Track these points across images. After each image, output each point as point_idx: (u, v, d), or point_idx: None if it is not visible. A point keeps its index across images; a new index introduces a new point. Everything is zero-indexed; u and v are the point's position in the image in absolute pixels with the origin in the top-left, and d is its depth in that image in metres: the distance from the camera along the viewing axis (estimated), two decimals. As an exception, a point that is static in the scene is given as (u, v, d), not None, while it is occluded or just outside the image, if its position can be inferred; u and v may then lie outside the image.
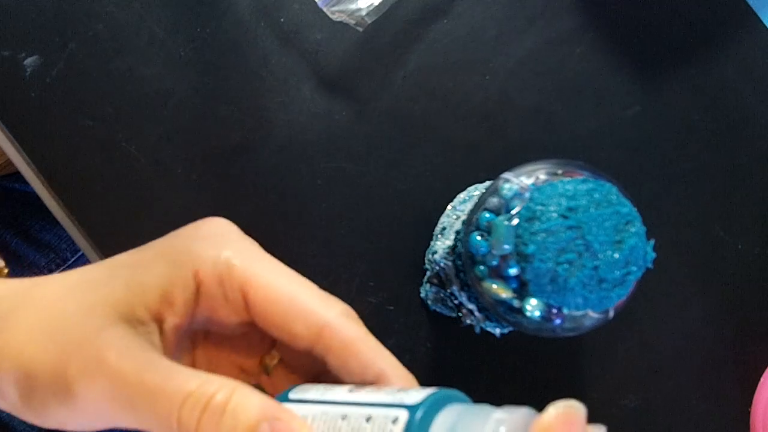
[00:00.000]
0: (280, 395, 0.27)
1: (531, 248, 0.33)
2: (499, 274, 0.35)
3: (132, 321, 0.25)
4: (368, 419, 0.23)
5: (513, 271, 0.34)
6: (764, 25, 0.50)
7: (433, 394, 0.23)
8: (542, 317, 0.35)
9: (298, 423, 0.24)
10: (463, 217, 0.41)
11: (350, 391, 0.25)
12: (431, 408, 0.23)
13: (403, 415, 0.22)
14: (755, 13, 0.49)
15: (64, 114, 0.42)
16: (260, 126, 0.44)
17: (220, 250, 0.27)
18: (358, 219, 0.45)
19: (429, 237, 0.45)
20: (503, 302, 0.35)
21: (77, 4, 0.42)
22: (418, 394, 0.23)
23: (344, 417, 0.24)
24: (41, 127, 0.42)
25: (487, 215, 0.35)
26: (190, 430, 0.23)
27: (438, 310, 0.45)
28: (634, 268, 0.34)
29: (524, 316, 0.35)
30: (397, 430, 0.22)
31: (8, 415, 0.57)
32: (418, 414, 0.22)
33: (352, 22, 0.42)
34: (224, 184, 0.43)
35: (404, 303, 0.45)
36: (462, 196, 0.44)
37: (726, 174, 0.49)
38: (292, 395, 0.26)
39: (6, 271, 0.40)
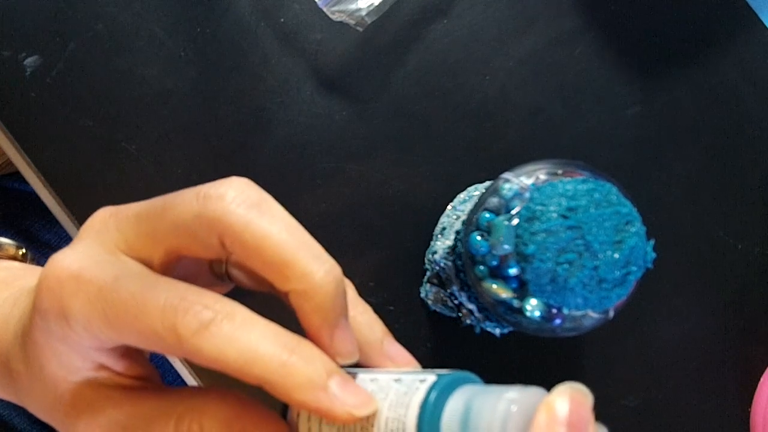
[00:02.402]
0: None
1: (531, 248, 0.33)
2: (499, 274, 0.35)
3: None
4: (397, 380, 0.25)
5: (513, 271, 0.34)
6: (764, 25, 0.50)
7: (455, 371, 0.25)
8: (542, 317, 0.35)
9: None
10: (463, 217, 0.41)
11: (374, 367, 0.27)
12: (456, 380, 0.24)
13: (431, 378, 0.24)
14: (755, 13, 0.49)
15: (64, 114, 0.42)
16: (260, 126, 0.44)
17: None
18: (358, 219, 0.45)
19: (429, 237, 0.45)
20: (503, 302, 0.35)
21: (77, 4, 0.42)
22: (441, 371, 0.25)
23: (374, 380, 0.25)
24: (41, 127, 0.42)
25: (487, 215, 0.35)
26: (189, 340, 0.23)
27: (438, 310, 0.45)
28: (634, 268, 0.34)
29: (524, 316, 0.35)
30: (423, 387, 0.24)
31: (9, 413, 0.57)
32: (445, 379, 0.24)
33: (352, 22, 0.42)
34: (224, 184, 0.43)
35: (404, 303, 0.45)
36: (462, 196, 0.44)
37: (726, 174, 0.49)
38: None
39: (21, 252, 0.40)
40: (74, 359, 0.25)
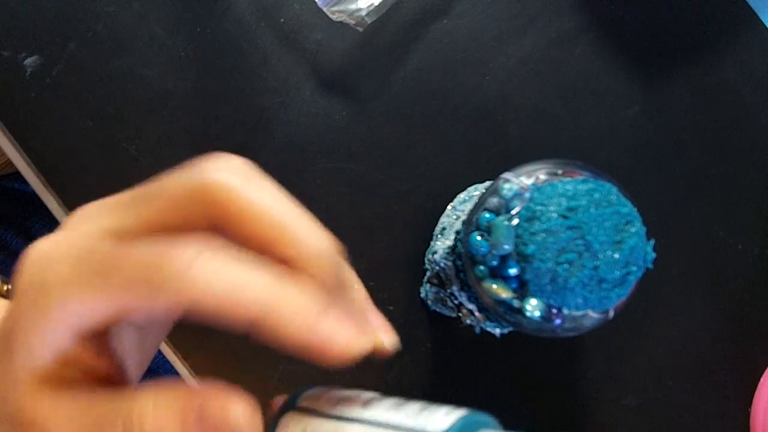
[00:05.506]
0: (287, 401, 0.25)
1: (531, 248, 0.33)
2: (499, 274, 0.35)
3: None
4: None
5: (513, 271, 0.34)
6: (764, 25, 0.50)
7: (461, 419, 0.21)
8: (542, 317, 0.35)
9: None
10: (463, 217, 0.41)
11: (365, 405, 0.23)
12: None
13: None
14: (755, 13, 0.49)
15: (64, 114, 0.42)
16: (260, 126, 0.44)
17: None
18: (358, 219, 0.45)
19: (429, 237, 0.45)
20: (503, 302, 0.35)
21: (77, 4, 0.42)
22: (445, 419, 0.21)
23: None
24: (41, 127, 0.42)
25: (487, 215, 0.35)
26: None
27: (438, 310, 0.45)
28: (634, 268, 0.34)
29: (524, 316, 0.35)
30: None
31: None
32: None
33: (352, 22, 0.42)
34: (224, 184, 0.43)
35: (404, 303, 0.45)
36: (462, 196, 0.44)
37: (726, 174, 0.49)
38: (301, 403, 0.25)
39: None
40: (42, 351, 0.25)
